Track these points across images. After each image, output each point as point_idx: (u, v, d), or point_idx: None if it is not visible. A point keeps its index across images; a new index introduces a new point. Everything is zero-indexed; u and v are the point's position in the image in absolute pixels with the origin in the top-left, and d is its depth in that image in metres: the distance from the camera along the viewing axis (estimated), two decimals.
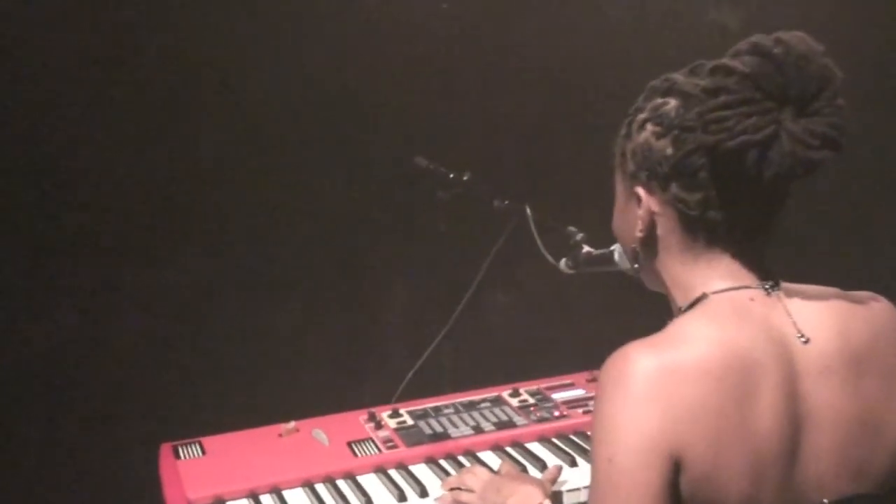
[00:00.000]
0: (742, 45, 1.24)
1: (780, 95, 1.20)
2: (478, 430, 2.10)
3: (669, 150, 1.29)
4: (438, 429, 2.10)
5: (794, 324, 1.29)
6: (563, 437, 2.10)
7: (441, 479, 1.92)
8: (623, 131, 1.39)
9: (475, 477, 1.79)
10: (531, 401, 2.24)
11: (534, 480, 1.70)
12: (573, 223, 2.05)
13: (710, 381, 1.20)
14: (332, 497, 1.85)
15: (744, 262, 1.33)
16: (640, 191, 1.35)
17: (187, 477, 1.90)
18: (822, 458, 1.26)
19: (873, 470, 1.28)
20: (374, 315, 2.57)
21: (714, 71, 1.25)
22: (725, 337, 1.24)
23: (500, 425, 2.12)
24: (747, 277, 1.32)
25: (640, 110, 1.36)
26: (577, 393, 2.30)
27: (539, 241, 2.09)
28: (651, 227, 1.36)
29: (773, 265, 1.36)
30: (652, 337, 1.28)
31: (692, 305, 1.32)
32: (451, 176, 2.41)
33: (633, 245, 1.40)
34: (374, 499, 1.83)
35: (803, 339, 1.28)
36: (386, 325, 2.58)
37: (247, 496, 1.86)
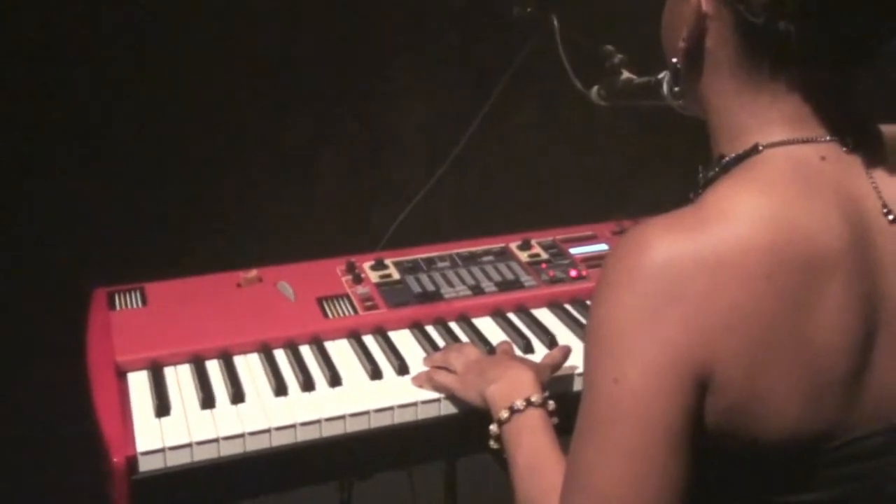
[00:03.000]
0: None
1: None
2: (476, 290, 1.74)
3: None
4: (430, 287, 1.74)
5: (880, 195, 0.93)
6: (578, 303, 1.75)
7: (426, 350, 1.58)
8: None
9: (462, 357, 1.45)
10: (544, 256, 1.87)
11: (529, 366, 1.35)
12: (611, 43, 1.60)
13: (755, 278, 0.86)
14: (291, 368, 1.51)
15: (820, 104, 0.94)
16: None
17: (119, 333, 1.57)
18: None
19: None
20: (369, 143, 2.16)
21: None
22: (782, 215, 0.88)
23: (504, 286, 1.76)
24: (821, 125, 0.94)
25: None
26: (600, 248, 1.92)
27: (566, 62, 1.65)
28: (699, 36, 0.97)
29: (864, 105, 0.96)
30: (680, 212, 0.92)
31: (740, 160, 0.95)
32: None
33: (675, 59, 1.01)
34: (341, 373, 1.49)
35: (891, 217, 0.92)
36: (380, 155, 2.17)
37: (189, 361, 1.53)
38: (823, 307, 0.88)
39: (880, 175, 0.95)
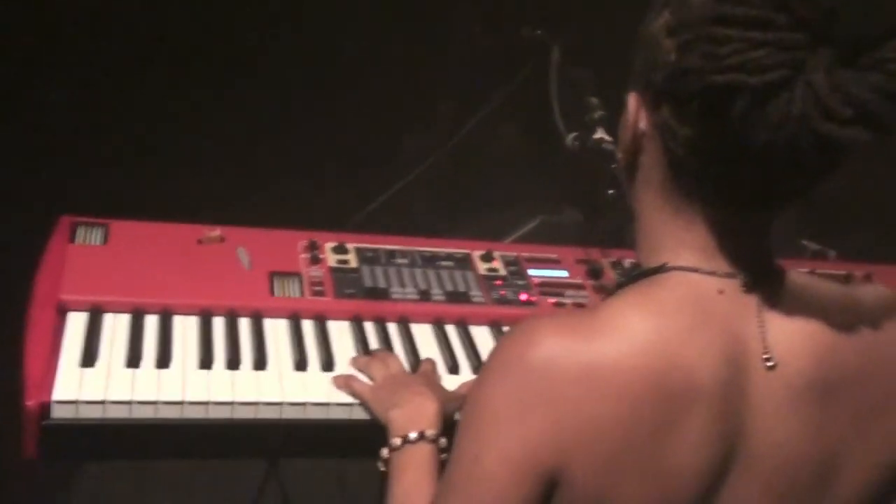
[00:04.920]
0: None
1: (820, 28, 0.80)
2: (424, 295, 1.78)
3: (672, 56, 0.90)
4: (381, 283, 1.78)
5: (764, 339, 0.96)
6: None
7: (358, 349, 1.62)
8: (651, 9, 0.97)
9: (384, 369, 1.50)
10: (502, 272, 1.90)
11: (438, 397, 1.39)
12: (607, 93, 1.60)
13: (624, 399, 0.90)
14: (224, 339, 1.56)
15: (730, 239, 0.97)
16: (633, 99, 0.98)
17: (72, 269, 1.62)
18: None
19: None
20: (361, 123, 2.17)
21: None
22: (666, 344, 0.92)
23: (452, 296, 1.79)
24: (726, 260, 0.97)
25: None
26: (559, 274, 1.94)
27: (555, 99, 1.65)
28: (636, 150, 1.00)
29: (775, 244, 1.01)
30: (574, 317, 0.99)
31: (648, 274, 0.99)
32: None
33: (614, 165, 1.05)
34: (269, 357, 1.55)
35: (769, 363, 0.95)
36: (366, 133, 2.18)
37: (131, 311, 1.58)
38: (682, 437, 0.93)
39: (771, 318, 0.98)
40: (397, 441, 1.29)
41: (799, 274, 1.03)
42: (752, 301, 0.98)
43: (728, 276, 0.97)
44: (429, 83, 2.13)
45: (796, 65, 0.81)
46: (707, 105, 0.87)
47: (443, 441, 1.30)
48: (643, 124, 0.98)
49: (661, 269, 0.99)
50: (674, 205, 0.99)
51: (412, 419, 1.32)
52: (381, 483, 1.32)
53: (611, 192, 1.07)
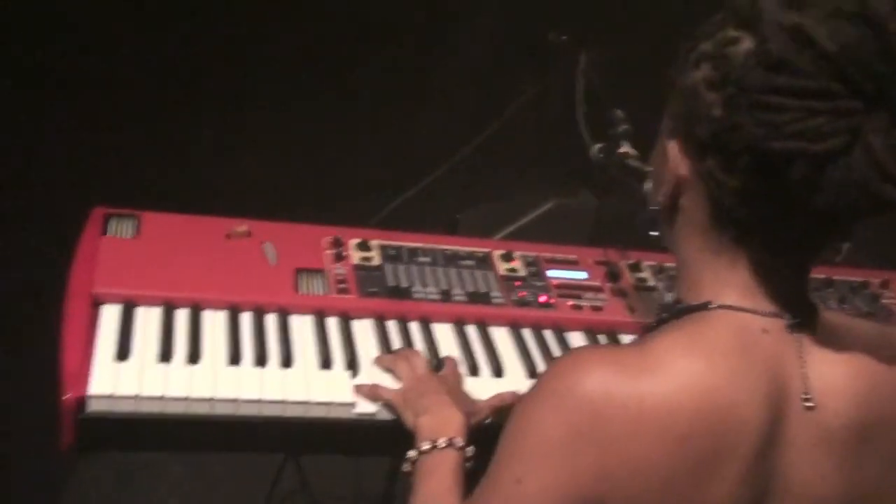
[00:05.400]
0: None
1: (875, 92, 0.83)
2: (446, 296, 1.82)
3: (717, 111, 0.92)
4: (403, 282, 1.82)
5: (805, 380, 0.98)
6: (537, 329, 1.82)
7: (381, 347, 1.66)
8: (682, 59, 1.00)
9: (409, 368, 1.54)
10: (521, 272, 1.94)
11: (465, 407, 1.44)
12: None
13: (669, 437, 0.93)
14: (251, 334, 1.60)
15: (774, 280, 1.00)
16: (673, 147, 1.00)
17: (105, 262, 1.66)
18: None
19: None
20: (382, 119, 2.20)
21: (790, 32, 0.86)
22: (713, 383, 0.94)
23: (473, 297, 1.83)
24: (770, 300, 1.00)
25: (705, 38, 0.96)
26: (577, 276, 1.98)
27: (580, 106, 1.68)
28: (676, 195, 1.02)
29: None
30: (621, 351, 1.01)
31: (691, 311, 1.02)
32: None
33: (653, 206, 1.07)
34: (295, 355, 1.59)
35: (809, 404, 0.98)
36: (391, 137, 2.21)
37: (161, 304, 1.63)
38: (722, 476, 0.95)
39: (813, 359, 1.01)
40: (426, 445, 1.33)
41: (833, 313, 1.07)
42: (794, 341, 1.00)
43: (772, 315, 1.00)
44: (449, 82, 2.15)
45: (854, 130, 0.84)
46: (760, 165, 0.90)
47: (470, 450, 1.34)
48: (684, 171, 1.00)
49: (704, 307, 1.02)
50: (717, 246, 1.02)
51: (441, 426, 1.36)
52: (389, 472, 1.35)
53: (651, 233, 1.09)
